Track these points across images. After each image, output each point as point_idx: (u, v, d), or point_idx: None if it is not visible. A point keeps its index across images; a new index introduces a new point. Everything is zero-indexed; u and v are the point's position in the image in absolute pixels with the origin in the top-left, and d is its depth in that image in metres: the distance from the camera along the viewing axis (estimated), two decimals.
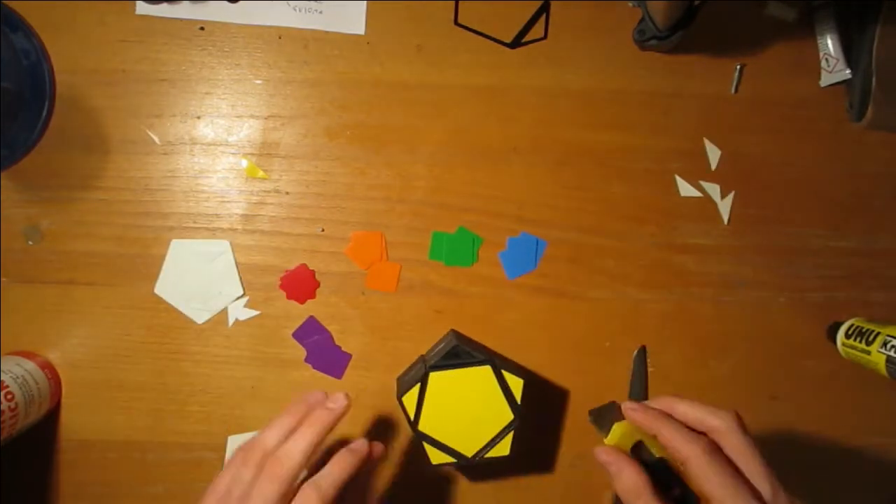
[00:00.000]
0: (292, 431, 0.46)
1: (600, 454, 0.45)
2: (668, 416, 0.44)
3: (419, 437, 0.52)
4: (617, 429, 0.46)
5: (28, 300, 0.57)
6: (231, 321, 0.58)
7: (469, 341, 0.56)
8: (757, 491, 0.40)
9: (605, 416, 0.47)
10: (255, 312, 0.58)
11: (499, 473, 0.60)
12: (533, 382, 0.59)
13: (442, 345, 0.55)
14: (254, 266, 0.58)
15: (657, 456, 0.44)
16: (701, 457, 0.40)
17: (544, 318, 0.60)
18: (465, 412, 0.52)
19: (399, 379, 0.57)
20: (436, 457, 0.52)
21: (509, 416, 0.52)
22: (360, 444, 0.48)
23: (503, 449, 0.52)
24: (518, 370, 0.53)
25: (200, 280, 0.58)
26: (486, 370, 0.52)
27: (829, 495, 0.61)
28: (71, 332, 0.58)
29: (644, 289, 0.60)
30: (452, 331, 0.58)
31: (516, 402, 0.52)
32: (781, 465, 0.60)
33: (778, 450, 0.61)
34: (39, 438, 0.57)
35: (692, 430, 0.43)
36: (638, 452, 0.45)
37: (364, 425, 0.59)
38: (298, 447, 0.44)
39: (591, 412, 0.48)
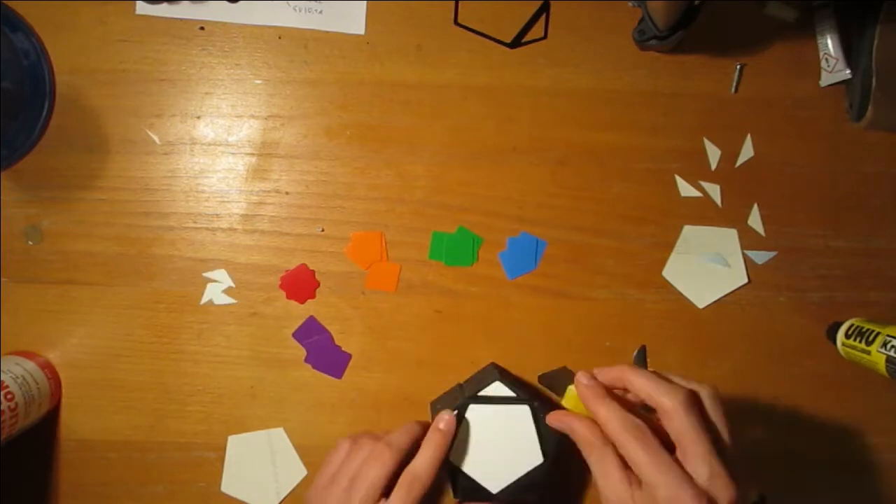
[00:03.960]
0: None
1: (551, 420, 0.46)
2: (611, 399, 0.43)
3: (449, 466, 0.52)
4: (572, 390, 0.46)
5: (28, 300, 0.57)
6: (204, 300, 0.58)
7: (511, 377, 0.56)
8: (690, 475, 0.39)
9: (558, 379, 0.47)
10: (231, 300, 0.58)
11: None
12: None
13: (482, 377, 0.55)
14: (254, 266, 0.58)
15: None
16: (632, 441, 0.40)
17: (544, 318, 0.60)
18: (498, 448, 0.52)
19: (433, 405, 0.57)
20: (462, 488, 0.52)
21: (539, 457, 0.52)
22: (448, 421, 0.51)
23: (530, 491, 0.52)
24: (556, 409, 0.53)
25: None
26: (525, 409, 0.52)
27: (828, 495, 0.61)
28: (71, 332, 0.58)
29: (644, 289, 0.60)
30: (493, 364, 0.58)
31: (549, 447, 0.52)
32: (781, 465, 0.61)
33: (778, 450, 0.61)
34: (39, 438, 0.57)
35: (639, 409, 0.43)
36: None
37: (364, 426, 0.59)
38: (403, 438, 0.49)
39: (542, 377, 0.49)
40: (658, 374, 0.43)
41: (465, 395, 0.53)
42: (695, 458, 0.39)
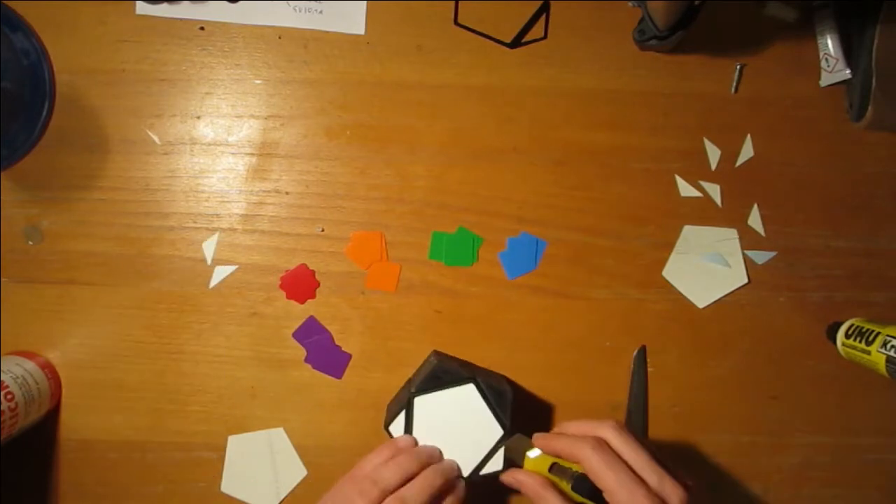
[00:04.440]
0: (405, 473, 0.49)
1: (503, 478, 0.50)
2: (560, 434, 0.48)
3: None
4: (529, 456, 0.50)
5: (28, 300, 0.57)
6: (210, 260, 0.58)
7: (451, 360, 0.56)
8: (644, 481, 0.43)
9: (516, 448, 0.51)
10: (233, 267, 0.58)
11: (501, 491, 0.59)
12: (531, 383, 0.60)
13: (424, 368, 0.55)
14: (254, 266, 0.58)
15: (576, 471, 0.47)
16: (591, 454, 0.44)
17: (544, 318, 0.60)
18: (456, 432, 0.52)
19: (388, 407, 0.57)
20: None
21: (499, 430, 0.52)
22: (450, 466, 0.51)
23: (497, 463, 0.52)
24: (502, 382, 0.53)
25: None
26: (470, 388, 0.52)
27: (828, 495, 0.61)
28: (71, 332, 0.58)
29: (644, 289, 0.60)
30: (434, 352, 0.58)
31: (504, 416, 0.52)
32: (781, 465, 0.61)
33: (777, 450, 0.61)
34: (39, 438, 0.58)
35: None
36: (557, 472, 0.48)
37: (364, 426, 0.59)
38: (419, 498, 0.47)
39: (502, 447, 0.52)
40: (569, 428, 0.48)
41: (410, 391, 0.53)
42: (643, 467, 0.44)
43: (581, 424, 0.48)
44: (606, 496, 0.44)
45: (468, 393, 0.52)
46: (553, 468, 0.48)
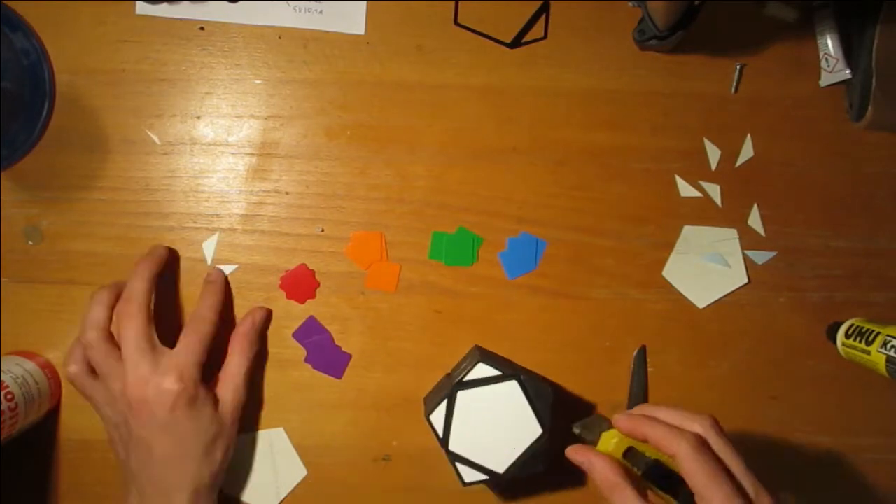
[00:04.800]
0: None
1: (570, 454, 0.45)
2: (654, 419, 0.44)
3: (450, 456, 0.52)
4: (605, 437, 0.46)
5: (28, 300, 0.57)
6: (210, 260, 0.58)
7: (494, 356, 0.56)
8: (743, 488, 0.40)
9: (591, 427, 0.47)
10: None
11: (532, 489, 0.59)
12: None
13: (467, 361, 0.55)
14: (254, 266, 0.58)
15: (652, 459, 0.44)
16: (690, 452, 0.40)
17: (544, 318, 0.60)
18: (495, 428, 0.52)
19: (425, 399, 0.57)
20: (468, 475, 0.52)
21: (538, 429, 0.52)
22: (216, 273, 0.57)
23: (535, 464, 0.52)
24: (544, 382, 0.53)
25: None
26: (513, 385, 0.52)
27: (828, 495, 0.61)
28: (71, 332, 0.57)
29: (644, 289, 0.60)
30: (476, 347, 0.58)
31: (544, 415, 0.52)
32: (781, 465, 0.61)
33: (777, 450, 0.61)
34: (39, 438, 0.57)
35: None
36: (631, 458, 0.45)
37: (364, 426, 0.59)
38: (140, 285, 0.52)
39: (576, 425, 0.48)
40: (660, 413, 0.44)
41: (453, 383, 0.53)
42: (740, 475, 0.41)
43: (674, 413, 0.44)
44: (698, 500, 0.40)
45: (511, 390, 0.52)
46: (628, 453, 0.45)
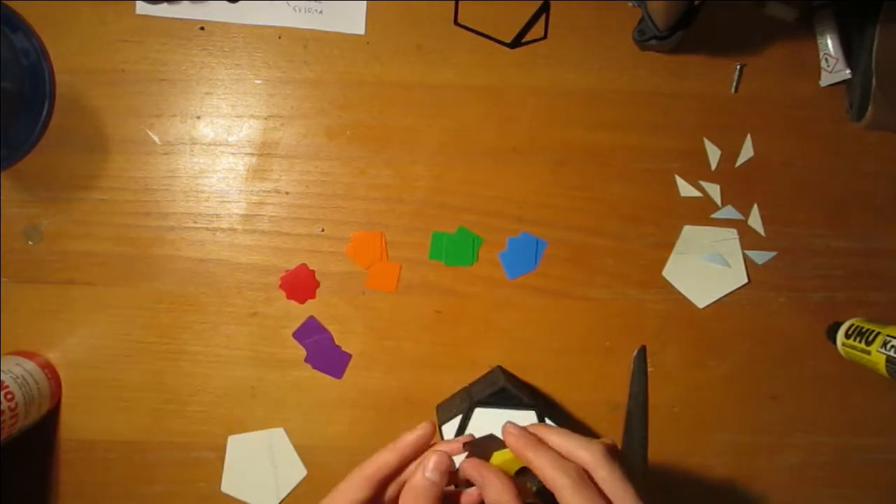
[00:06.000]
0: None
1: (465, 468, 0.42)
2: (542, 444, 0.41)
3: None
4: (498, 456, 0.44)
5: (28, 300, 0.57)
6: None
7: (515, 380, 0.56)
8: None
9: (484, 445, 0.44)
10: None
11: None
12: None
13: (488, 381, 0.55)
14: (254, 266, 0.58)
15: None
16: (569, 487, 0.38)
17: (544, 318, 0.60)
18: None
19: (439, 407, 0.57)
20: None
21: None
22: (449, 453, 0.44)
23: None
24: (562, 416, 0.53)
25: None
26: (531, 415, 0.52)
27: (828, 495, 0.61)
28: (71, 332, 0.58)
29: (644, 289, 0.60)
30: (499, 368, 0.58)
31: None
32: (781, 465, 0.61)
33: (777, 450, 0.61)
34: (39, 438, 0.58)
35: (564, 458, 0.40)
36: (524, 478, 0.43)
37: (364, 426, 0.59)
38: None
39: (466, 445, 0.44)
40: (551, 437, 0.42)
41: (472, 400, 0.53)
42: None
43: (566, 440, 0.41)
44: None
45: (527, 418, 0.52)
46: (521, 473, 0.43)
